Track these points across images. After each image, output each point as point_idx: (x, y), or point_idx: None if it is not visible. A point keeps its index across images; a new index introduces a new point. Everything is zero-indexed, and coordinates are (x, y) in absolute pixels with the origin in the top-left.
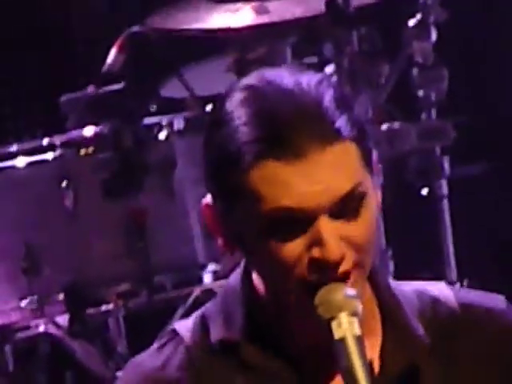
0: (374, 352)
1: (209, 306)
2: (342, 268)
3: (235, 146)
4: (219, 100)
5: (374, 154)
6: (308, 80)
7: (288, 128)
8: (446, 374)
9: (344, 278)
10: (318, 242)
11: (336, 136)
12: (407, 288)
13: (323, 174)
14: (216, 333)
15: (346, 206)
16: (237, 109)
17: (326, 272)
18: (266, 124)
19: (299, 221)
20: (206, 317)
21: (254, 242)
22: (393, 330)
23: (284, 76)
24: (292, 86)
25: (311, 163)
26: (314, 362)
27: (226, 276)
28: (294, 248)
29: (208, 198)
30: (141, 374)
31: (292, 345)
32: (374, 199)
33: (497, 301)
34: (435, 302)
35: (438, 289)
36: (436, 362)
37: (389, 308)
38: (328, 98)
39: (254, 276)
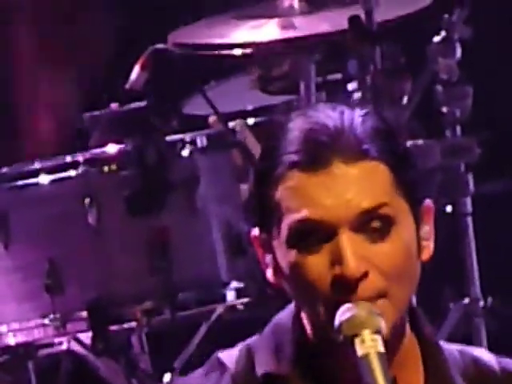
0: None
1: (255, 340)
2: (365, 291)
3: (274, 158)
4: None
5: (428, 202)
6: (351, 109)
7: (316, 144)
8: None
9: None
10: (338, 257)
11: (363, 155)
12: (448, 346)
13: (344, 188)
14: (263, 365)
15: (370, 224)
16: (286, 129)
17: (348, 291)
18: (300, 141)
19: (321, 233)
20: (252, 349)
21: (284, 259)
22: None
23: (334, 107)
24: (334, 112)
25: (334, 177)
26: None
27: (249, 294)
28: (317, 262)
29: (255, 230)
30: None
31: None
32: (409, 231)
33: None
34: (478, 361)
35: (479, 351)
36: None
37: (433, 359)
38: (363, 123)
39: (303, 315)
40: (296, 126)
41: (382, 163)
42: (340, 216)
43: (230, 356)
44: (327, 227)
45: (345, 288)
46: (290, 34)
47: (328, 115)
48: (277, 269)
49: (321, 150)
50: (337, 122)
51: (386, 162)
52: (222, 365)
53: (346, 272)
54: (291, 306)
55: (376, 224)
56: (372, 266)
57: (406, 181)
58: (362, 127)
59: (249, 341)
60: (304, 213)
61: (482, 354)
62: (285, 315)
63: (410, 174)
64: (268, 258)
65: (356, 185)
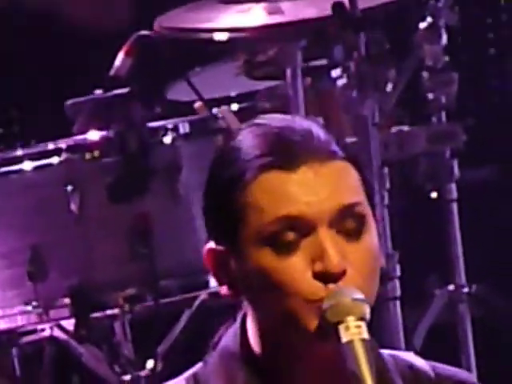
0: None
1: (201, 368)
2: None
3: (239, 166)
4: (226, 140)
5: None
6: (309, 119)
7: (289, 145)
8: None
9: None
10: (319, 253)
11: (332, 156)
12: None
13: (322, 185)
14: None
15: (346, 223)
16: (243, 139)
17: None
18: (269, 144)
19: (299, 230)
20: (199, 380)
21: (254, 264)
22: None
23: (281, 117)
24: (290, 120)
25: (310, 175)
26: None
27: None
28: (296, 261)
29: (210, 244)
30: None
31: None
32: (374, 230)
33: (468, 376)
34: (412, 366)
35: (411, 356)
36: None
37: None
38: (320, 129)
39: (250, 334)
40: (256, 133)
41: (348, 163)
42: (319, 212)
43: None
44: (306, 223)
45: (327, 281)
46: (277, 19)
47: (289, 120)
48: (235, 281)
49: (294, 150)
50: (302, 125)
51: (351, 163)
52: None
53: (330, 267)
54: (232, 332)
55: (351, 223)
56: (348, 264)
57: (365, 183)
58: (323, 131)
59: (194, 369)
60: (283, 210)
61: (415, 359)
62: (230, 339)
63: (366, 176)
64: (224, 271)
65: (332, 183)
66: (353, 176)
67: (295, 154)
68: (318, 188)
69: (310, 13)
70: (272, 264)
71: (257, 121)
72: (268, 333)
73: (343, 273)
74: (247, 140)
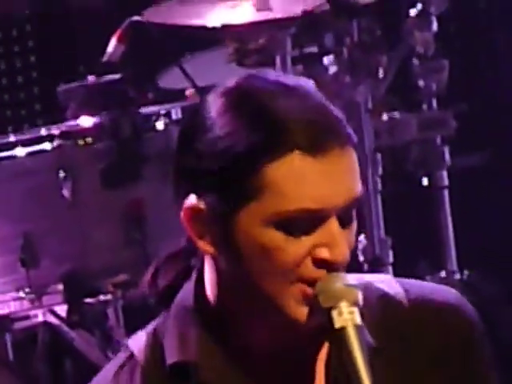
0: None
1: (161, 322)
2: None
3: (267, 133)
4: (194, 108)
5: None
6: (300, 80)
7: (318, 127)
8: (392, 376)
9: None
10: (329, 242)
11: (348, 141)
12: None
13: (343, 176)
14: (170, 356)
15: (348, 212)
16: (275, 106)
17: (329, 271)
18: (303, 121)
19: (314, 219)
20: (158, 335)
21: (255, 238)
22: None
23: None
24: (288, 82)
25: (334, 163)
26: (273, 373)
27: None
28: (300, 246)
29: (191, 200)
30: None
31: (251, 357)
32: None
33: (448, 294)
34: (383, 297)
35: (386, 283)
36: (382, 365)
37: None
38: (327, 102)
39: (208, 285)
40: (290, 106)
41: (354, 149)
42: (336, 204)
43: (138, 343)
44: (323, 213)
45: (326, 269)
46: (266, 15)
47: (312, 96)
48: (221, 242)
49: (322, 134)
50: (326, 104)
51: (355, 148)
52: (131, 356)
53: (337, 257)
54: (189, 285)
55: (351, 212)
56: None
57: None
58: (331, 106)
59: (154, 324)
60: (305, 203)
61: (391, 285)
62: (184, 296)
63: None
64: (205, 228)
65: (349, 172)
66: (356, 162)
67: (322, 138)
68: (340, 180)
69: (298, 8)
70: (277, 243)
71: (282, 80)
72: (235, 292)
73: (345, 263)
74: (286, 111)
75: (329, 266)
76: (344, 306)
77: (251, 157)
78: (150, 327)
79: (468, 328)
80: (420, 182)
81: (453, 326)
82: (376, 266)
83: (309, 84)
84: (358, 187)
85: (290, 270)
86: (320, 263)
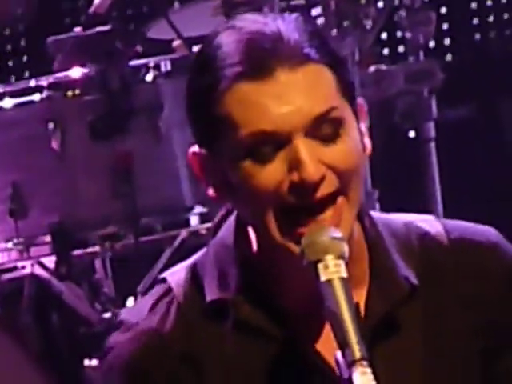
0: (360, 301)
1: (201, 259)
2: (323, 190)
3: (213, 74)
4: (203, 42)
5: (360, 100)
6: (283, 18)
7: (259, 52)
8: (429, 316)
9: (326, 203)
10: (295, 163)
11: (305, 59)
12: (396, 221)
13: (294, 95)
14: (210, 293)
15: (322, 129)
16: (217, 45)
17: (307, 195)
18: (240, 52)
19: (275, 142)
20: (198, 271)
21: (234, 172)
22: (378, 275)
23: (261, 15)
24: (266, 20)
25: (282, 84)
26: (306, 319)
27: (212, 219)
28: (273, 171)
29: (194, 147)
30: (135, 337)
31: (284, 301)
32: (355, 130)
33: (488, 234)
34: (424, 236)
35: (429, 223)
36: (419, 304)
37: (376, 252)
38: (297, 28)
39: (249, 229)
40: (230, 39)
41: (324, 66)
42: (293, 123)
43: (177, 280)
44: (281, 136)
45: (304, 192)
46: None
47: (262, 23)
48: (220, 185)
49: (264, 58)
50: (273, 28)
51: (326, 64)
52: (169, 292)
53: (306, 177)
54: (230, 223)
55: (327, 128)
56: (328, 168)
57: (345, 81)
58: (299, 31)
59: (194, 259)
60: (257, 125)
61: (432, 224)
62: (226, 234)
63: (347, 73)
64: (208, 174)
65: (304, 90)
66: (327, 79)
67: (265, 62)
68: (291, 98)
69: None
70: (251, 172)
71: (232, 22)
72: (257, 234)
73: (320, 180)
74: (221, 46)
75: (306, 189)
76: (330, 259)
77: (207, 99)
78: (190, 261)
79: (507, 269)
80: (407, 134)
81: (492, 268)
82: None
83: (286, 18)
84: (323, 104)
85: (271, 197)
86: (292, 187)
